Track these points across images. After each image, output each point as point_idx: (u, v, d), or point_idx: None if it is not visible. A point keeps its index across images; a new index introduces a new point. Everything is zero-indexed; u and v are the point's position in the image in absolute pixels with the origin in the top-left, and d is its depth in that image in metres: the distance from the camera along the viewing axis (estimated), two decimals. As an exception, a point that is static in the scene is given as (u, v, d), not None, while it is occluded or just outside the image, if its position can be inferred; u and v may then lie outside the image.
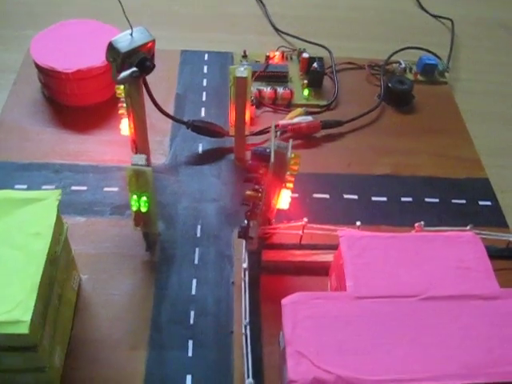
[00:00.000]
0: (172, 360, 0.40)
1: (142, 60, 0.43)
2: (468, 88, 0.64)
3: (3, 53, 0.63)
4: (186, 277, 0.45)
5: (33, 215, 0.37)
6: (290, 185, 0.42)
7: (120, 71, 0.44)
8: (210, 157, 0.54)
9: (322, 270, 0.46)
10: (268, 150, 0.38)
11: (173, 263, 0.46)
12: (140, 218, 0.43)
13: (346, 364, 0.36)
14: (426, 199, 0.52)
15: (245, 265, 0.43)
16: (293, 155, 0.40)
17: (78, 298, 0.43)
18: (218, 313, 0.43)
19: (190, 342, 0.41)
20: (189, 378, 0.40)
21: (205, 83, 0.61)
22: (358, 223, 0.45)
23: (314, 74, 0.59)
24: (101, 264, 0.45)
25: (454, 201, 0.52)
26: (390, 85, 0.59)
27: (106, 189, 0.50)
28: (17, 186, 0.50)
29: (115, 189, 0.50)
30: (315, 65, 0.59)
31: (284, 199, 0.44)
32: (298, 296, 0.39)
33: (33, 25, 0.66)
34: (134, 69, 0.44)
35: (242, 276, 0.44)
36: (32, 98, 0.58)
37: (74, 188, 0.50)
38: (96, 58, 0.54)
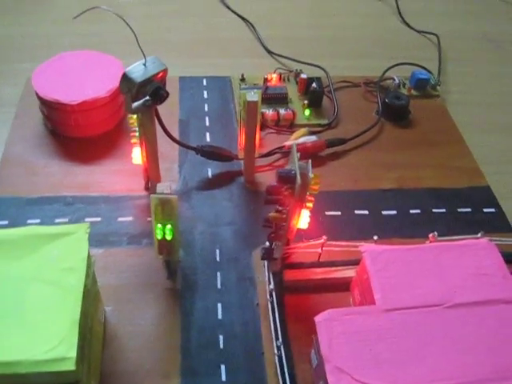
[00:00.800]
0: (205, 387, 0.41)
1: (156, 89, 0.44)
2: (459, 100, 0.66)
3: (0, 87, 0.63)
4: (210, 302, 0.45)
5: (64, 250, 0.37)
6: (310, 204, 0.43)
7: (134, 101, 0.44)
8: (220, 181, 0.54)
9: (342, 285, 0.47)
10: (293, 172, 0.39)
11: (196, 289, 0.46)
12: (164, 247, 0.43)
13: (383, 376, 0.37)
14: (434, 210, 0.54)
15: (270, 286, 0.44)
16: (313, 175, 0.41)
17: (104, 330, 0.43)
18: (247, 335, 0.43)
19: (223, 367, 0.42)
20: (225, 402, 0.40)
21: (206, 108, 0.61)
22: (375, 237, 0.46)
23: (314, 94, 0.60)
24: (123, 294, 0.45)
25: (459, 210, 0.54)
26: (387, 100, 0.61)
27: (120, 219, 0.50)
28: (29, 221, 0.49)
29: (129, 218, 0.50)
30: (314, 85, 0.60)
31: (303, 219, 0.44)
32: (331, 313, 0.39)
33: (29, 58, 0.66)
34: (147, 98, 0.45)
35: (268, 297, 0.44)
36: (35, 130, 0.57)
37: (87, 220, 0.50)
38: (100, 89, 0.54)
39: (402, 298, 0.41)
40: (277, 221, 0.41)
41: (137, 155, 0.50)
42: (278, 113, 0.59)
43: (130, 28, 0.41)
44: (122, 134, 0.57)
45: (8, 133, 0.57)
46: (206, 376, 0.41)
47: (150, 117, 0.47)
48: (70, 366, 0.32)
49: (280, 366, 0.41)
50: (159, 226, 0.42)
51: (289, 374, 0.41)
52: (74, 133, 0.56)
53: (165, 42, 0.71)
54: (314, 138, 0.57)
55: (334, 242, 0.46)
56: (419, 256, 0.43)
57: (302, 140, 0.57)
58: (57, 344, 0.32)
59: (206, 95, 0.63)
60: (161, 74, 0.45)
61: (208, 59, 0.69)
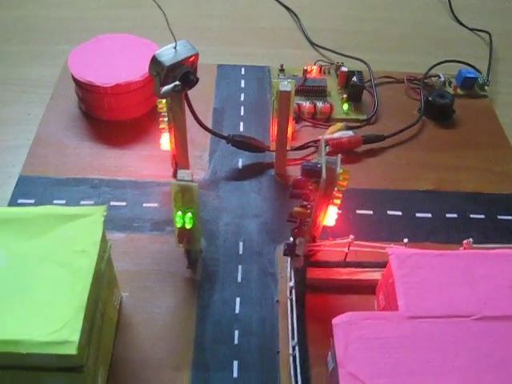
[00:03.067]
0: (217, 381, 0.39)
1: (185, 74, 0.43)
2: (509, 101, 0.63)
3: (39, 68, 0.63)
4: (229, 295, 0.44)
5: (78, 232, 0.36)
6: (338, 201, 0.41)
7: (163, 85, 0.43)
8: (249, 172, 0.53)
9: (368, 288, 0.45)
10: (319, 166, 0.37)
11: (215, 281, 0.45)
12: (184, 235, 0.42)
13: (399, 387, 0.35)
14: (471, 215, 0.51)
15: (291, 283, 0.42)
16: (341, 170, 0.39)
17: (119, 316, 0.42)
18: (263, 332, 0.42)
19: (235, 363, 0.40)
20: (234, 400, 0.39)
21: (242, 97, 0.60)
22: (406, 240, 0.44)
23: (354, 88, 0.58)
24: (141, 281, 0.44)
25: (499, 217, 0.51)
26: (430, 98, 0.58)
27: (145, 204, 0.50)
28: (55, 202, 0.49)
29: (155, 204, 0.50)
30: (355, 78, 0.58)
31: (330, 216, 0.42)
32: (350, 316, 0.37)
33: (67, 40, 0.66)
34: (177, 83, 0.44)
35: (288, 294, 0.43)
36: (69, 112, 0.58)
37: (112, 203, 0.50)
38: (134, 73, 0.54)
39: (428, 306, 0.38)
40: (301, 216, 0.40)
41: (165, 141, 0.49)
42: (315, 105, 0.57)
43: (161, 9, 0.40)
44: (153, 120, 0.56)
45: (43, 113, 0.57)
46: (217, 371, 0.40)
47: (180, 102, 0.46)
48: (72, 350, 0.31)
49: (294, 367, 0.39)
50: (179, 213, 0.41)
51: (302, 377, 0.39)
52: (107, 116, 0.56)
53: (204, 29, 0.71)
54: (350, 133, 0.55)
55: (361, 242, 0.44)
56: (450, 263, 0.41)
57: (337, 135, 0.55)
58: (60, 327, 0.32)
59: (243, 84, 0.62)
60: (192, 59, 0.44)
61: (248, 48, 0.68)
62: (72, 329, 0.32)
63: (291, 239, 0.44)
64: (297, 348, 0.39)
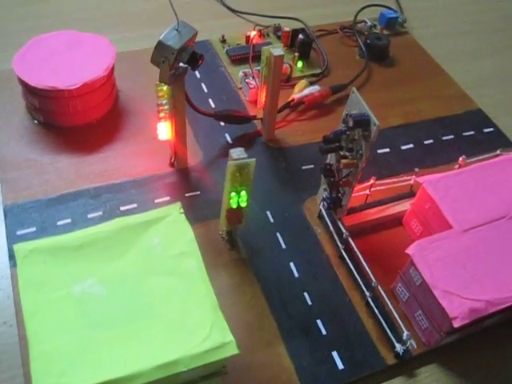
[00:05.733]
0: (310, 344, 0.40)
1: (193, 55, 0.42)
2: (426, 34, 0.69)
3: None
4: (281, 263, 0.44)
5: (165, 236, 0.34)
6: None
7: (171, 69, 0.41)
8: (241, 144, 0.52)
9: (394, 221, 0.48)
10: (366, 115, 0.39)
11: (263, 255, 0.45)
12: (234, 215, 0.42)
13: (483, 289, 0.39)
14: (443, 138, 0.56)
15: (340, 235, 0.44)
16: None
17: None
18: (329, 286, 0.43)
19: (319, 322, 0.41)
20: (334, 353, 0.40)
21: (198, 75, 0.59)
22: (417, 169, 0.49)
23: (304, 45, 0.60)
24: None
25: (464, 134, 0.57)
26: (369, 42, 0.62)
27: (157, 201, 0.47)
28: (60, 223, 0.45)
29: (167, 198, 0.48)
30: (301, 36, 0.60)
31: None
32: (420, 243, 0.41)
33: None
34: (182, 65, 0.42)
35: (340, 245, 0.45)
36: (24, 127, 0.52)
37: (123, 208, 0.47)
38: (95, 69, 0.50)
39: (473, 217, 0.43)
40: (350, 166, 0.41)
41: (163, 131, 0.47)
42: (275, 68, 0.58)
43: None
44: (118, 116, 0.54)
45: (-6, 134, 0.51)
46: (306, 335, 0.41)
47: (181, 87, 0.44)
48: (233, 349, 0.30)
49: (371, 309, 0.42)
50: (233, 194, 0.40)
51: (382, 315, 0.42)
52: (72, 121, 0.52)
53: (124, 15, 0.67)
54: (317, 87, 0.57)
55: (382, 181, 0.48)
56: (470, 177, 0.46)
57: (306, 91, 0.56)
58: (208, 333, 0.30)
59: (191, 62, 0.60)
60: (193, 39, 0.42)
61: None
62: (221, 330, 0.31)
63: (325, 194, 0.45)
64: (367, 291, 0.42)
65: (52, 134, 0.51)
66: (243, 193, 0.40)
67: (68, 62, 0.51)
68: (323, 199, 0.45)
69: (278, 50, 0.47)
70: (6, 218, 0.45)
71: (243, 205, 0.41)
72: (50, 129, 0.52)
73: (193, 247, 0.34)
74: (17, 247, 0.32)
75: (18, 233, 0.44)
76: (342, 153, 0.42)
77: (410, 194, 0.49)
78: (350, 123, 0.39)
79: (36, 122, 0.52)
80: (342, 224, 0.45)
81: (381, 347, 0.41)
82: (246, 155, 0.39)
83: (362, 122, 0.39)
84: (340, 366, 0.40)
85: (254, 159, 0.38)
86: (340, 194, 0.44)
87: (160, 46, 0.40)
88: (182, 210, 0.36)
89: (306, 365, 0.39)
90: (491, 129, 0.58)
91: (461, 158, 0.49)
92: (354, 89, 0.41)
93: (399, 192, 0.49)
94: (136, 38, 0.63)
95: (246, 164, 0.38)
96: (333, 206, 0.44)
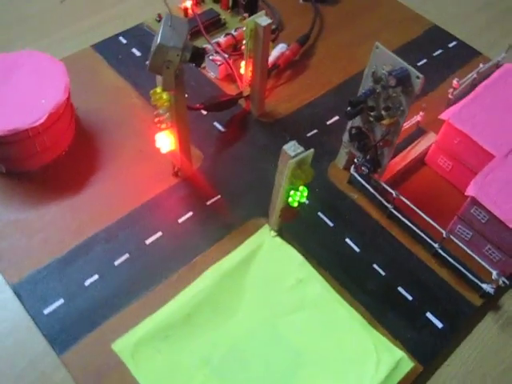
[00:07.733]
0: (404, 315, 0.38)
1: (196, 51, 0.35)
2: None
3: None
4: (336, 241, 0.42)
5: (272, 269, 0.30)
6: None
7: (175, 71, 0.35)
8: (233, 128, 0.48)
9: (417, 163, 0.47)
10: (406, 70, 0.36)
11: (315, 239, 0.41)
12: (290, 213, 0.38)
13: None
14: (418, 64, 0.55)
15: (393, 194, 0.42)
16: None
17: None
18: (391, 250, 0.42)
19: (400, 289, 0.40)
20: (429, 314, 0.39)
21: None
22: (424, 105, 0.47)
23: (251, 3, 0.54)
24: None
25: (434, 54, 0.56)
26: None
27: (180, 220, 0.42)
28: (88, 281, 0.38)
29: (189, 214, 0.42)
30: (244, -6, 0.54)
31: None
32: (476, 182, 0.40)
33: None
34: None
35: (389, 205, 0.43)
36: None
37: (148, 241, 0.41)
38: (53, 93, 0.42)
39: (508, 140, 0.42)
40: (391, 126, 0.39)
41: (164, 142, 0.41)
42: (233, 36, 0.52)
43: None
44: (86, 138, 0.47)
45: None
46: (394, 307, 0.38)
47: (183, 90, 0.38)
48: (408, 364, 0.28)
49: (441, 258, 0.41)
50: (292, 192, 0.36)
51: (454, 258, 0.41)
52: (41, 160, 0.44)
53: (21, 19, 0.57)
54: (284, 45, 0.53)
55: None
56: (485, 99, 0.44)
57: (276, 53, 0.52)
58: (377, 356, 0.28)
59: (136, 52, 0.53)
60: (188, 31, 0.36)
61: (91, 19, 0.57)
62: (387, 348, 0.28)
63: (357, 159, 0.42)
64: (435, 243, 0.41)
65: (23, 182, 0.43)
66: (301, 188, 0.36)
67: (15, 92, 0.42)
68: (358, 163, 0.42)
69: (262, 19, 0.42)
70: (20, 300, 0.37)
71: (303, 200, 0.37)
72: (17, 177, 0.43)
73: (308, 270, 0.30)
74: (117, 347, 0.26)
75: (46, 311, 0.37)
76: (373, 113, 0.39)
77: (420, 131, 0.47)
78: (392, 82, 0.36)
79: (-1, 173, 0.43)
80: (386, 184, 0.42)
81: (464, 292, 0.40)
82: (301, 148, 0.34)
83: (404, 78, 0.36)
84: (439, 324, 0.39)
85: (312, 150, 0.34)
86: (378, 156, 0.41)
87: (161, 49, 0.34)
88: (273, 233, 0.31)
89: (410, 336, 0.37)
90: (454, 42, 0.58)
91: (454, 81, 0.48)
92: (378, 43, 0.38)
93: (408, 133, 0.48)
94: (56, 41, 0.54)
95: (306, 157, 0.34)
96: (372, 169, 0.42)
